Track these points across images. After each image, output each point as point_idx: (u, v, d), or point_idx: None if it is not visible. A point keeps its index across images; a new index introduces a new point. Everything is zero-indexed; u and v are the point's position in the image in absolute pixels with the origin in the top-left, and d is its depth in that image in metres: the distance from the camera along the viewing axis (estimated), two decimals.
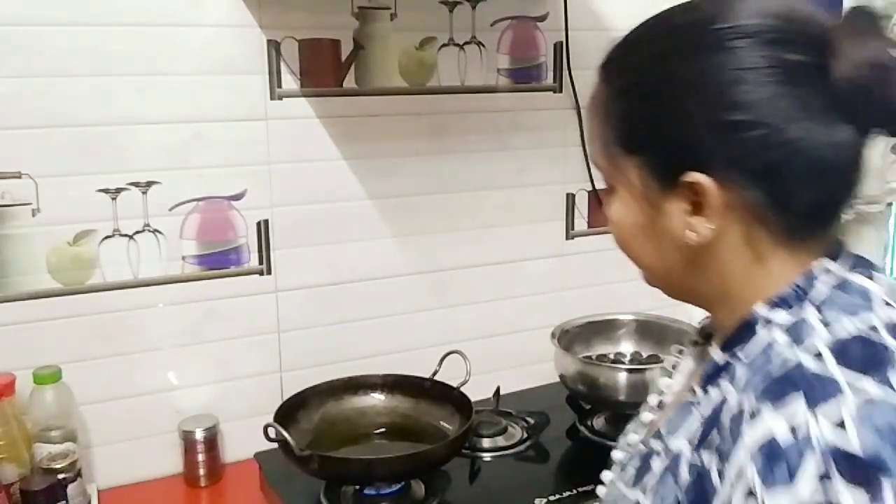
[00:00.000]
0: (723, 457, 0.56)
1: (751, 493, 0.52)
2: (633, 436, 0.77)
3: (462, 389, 1.33)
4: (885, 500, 0.49)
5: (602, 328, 1.58)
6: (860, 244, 1.93)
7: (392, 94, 1.47)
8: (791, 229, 0.61)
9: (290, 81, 1.38)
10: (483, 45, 1.53)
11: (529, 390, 1.60)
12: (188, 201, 1.34)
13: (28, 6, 1.20)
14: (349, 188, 1.46)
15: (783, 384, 0.55)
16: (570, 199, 1.65)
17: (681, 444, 0.63)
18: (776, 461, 0.52)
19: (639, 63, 0.65)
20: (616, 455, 0.78)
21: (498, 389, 1.52)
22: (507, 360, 1.62)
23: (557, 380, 1.49)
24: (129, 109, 1.28)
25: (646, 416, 0.77)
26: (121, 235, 1.31)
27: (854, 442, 0.50)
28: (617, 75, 0.66)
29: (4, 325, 1.26)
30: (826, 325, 0.57)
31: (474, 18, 1.51)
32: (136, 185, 1.30)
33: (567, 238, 1.66)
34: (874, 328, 0.57)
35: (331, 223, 1.46)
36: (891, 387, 0.53)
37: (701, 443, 0.60)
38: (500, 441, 1.40)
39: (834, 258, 0.62)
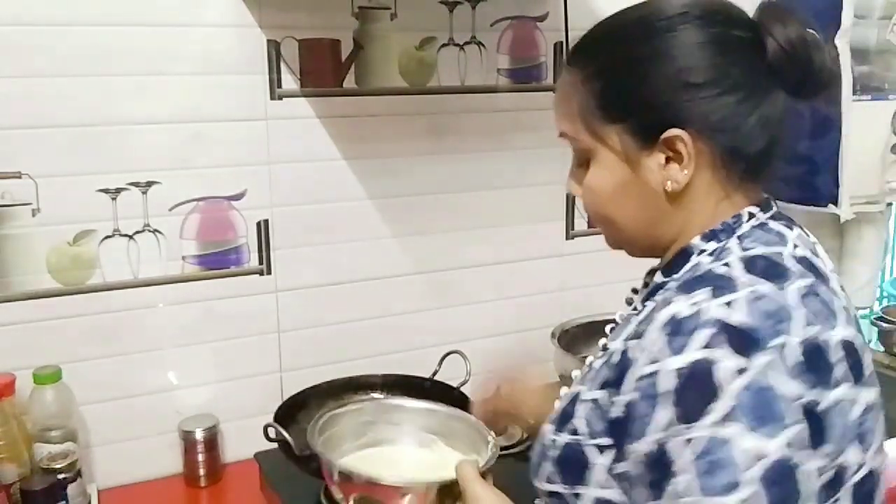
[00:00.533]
0: (640, 336, 0.70)
1: (653, 358, 0.66)
2: (589, 358, 0.86)
3: (462, 389, 1.33)
4: (753, 369, 0.62)
5: (602, 328, 1.58)
6: (860, 244, 1.93)
7: (392, 94, 1.47)
8: (745, 172, 0.75)
9: (290, 81, 1.38)
10: (483, 45, 1.52)
11: None
12: (188, 201, 1.34)
13: (28, 6, 1.20)
14: (349, 188, 1.46)
15: (695, 281, 0.70)
16: (570, 199, 1.65)
17: (618, 343, 0.74)
18: (676, 333, 0.66)
19: (609, 47, 0.77)
20: (574, 373, 0.88)
21: (498, 389, 1.51)
22: (507, 360, 1.62)
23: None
24: (129, 109, 1.28)
25: (602, 342, 0.86)
26: (121, 235, 1.31)
27: (737, 317, 0.64)
28: (591, 60, 0.78)
29: (4, 325, 1.26)
30: (742, 248, 0.72)
31: (474, 18, 1.51)
32: (136, 185, 1.30)
33: (567, 238, 1.66)
34: (780, 254, 0.71)
35: (331, 223, 1.46)
36: (784, 291, 0.67)
37: (632, 337, 0.72)
38: (501, 441, 1.39)
39: (763, 209, 0.77)
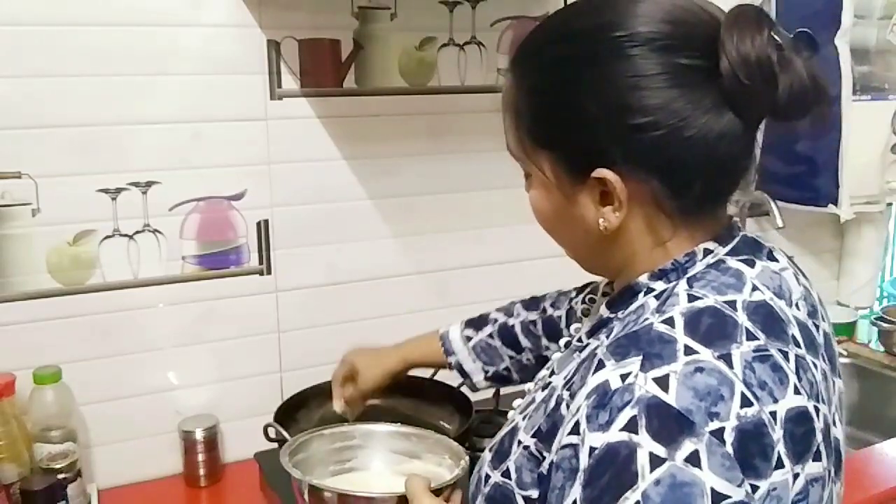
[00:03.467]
0: (573, 395, 0.63)
1: (576, 429, 0.60)
2: (529, 385, 0.83)
3: (462, 389, 1.33)
4: (674, 460, 0.55)
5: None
6: (860, 244, 1.94)
7: (392, 94, 1.47)
8: (686, 212, 0.67)
9: (290, 81, 1.38)
10: (483, 45, 1.53)
11: None
12: (188, 201, 1.34)
13: (28, 6, 1.20)
14: (349, 188, 1.46)
15: (629, 344, 0.61)
16: None
17: (558, 381, 0.70)
18: (601, 406, 0.59)
19: (544, 65, 0.68)
20: (515, 402, 0.84)
21: (498, 389, 1.51)
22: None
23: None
24: (129, 109, 1.28)
25: (543, 372, 0.82)
26: (121, 235, 1.31)
27: (669, 398, 0.56)
28: (525, 74, 0.70)
29: (4, 325, 1.26)
30: (690, 296, 0.64)
31: (474, 18, 1.51)
32: (136, 185, 1.30)
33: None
34: (733, 304, 0.63)
35: (331, 223, 1.46)
36: (727, 360, 0.59)
37: (568, 381, 0.67)
38: (488, 443, 1.39)
39: (721, 241, 0.68)
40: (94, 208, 1.28)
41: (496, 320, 1.17)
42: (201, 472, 1.37)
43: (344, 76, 1.43)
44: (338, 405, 1.21)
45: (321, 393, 1.36)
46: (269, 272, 1.42)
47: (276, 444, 1.17)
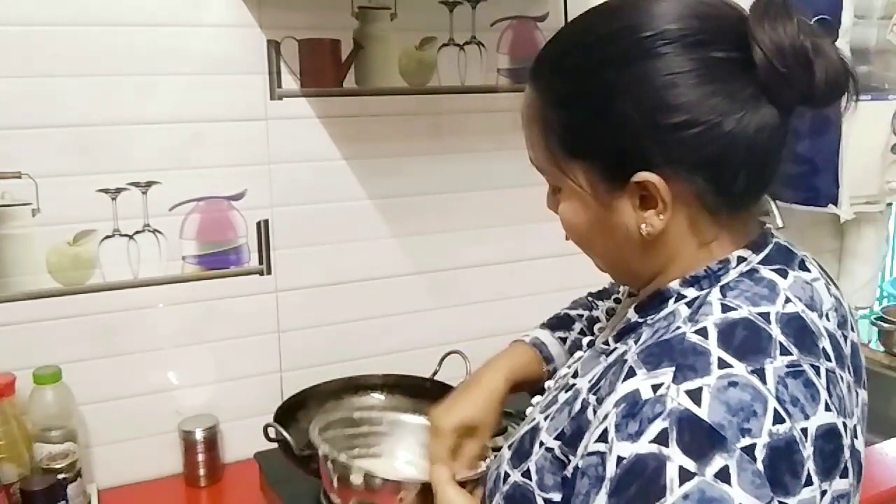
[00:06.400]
0: (600, 400, 0.63)
1: (604, 436, 0.59)
2: (549, 383, 0.83)
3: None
4: (704, 476, 0.54)
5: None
6: (860, 244, 1.94)
7: (392, 94, 1.47)
8: (731, 208, 0.66)
9: (290, 81, 1.38)
10: (483, 45, 1.53)
11: None
12: (188, 201, 1.34)
13: (28, 6, 1.20)
14: (349, 188, 1.46)
15: (662, 353, 0.61)
16: None
17: (583, 383, 0.69)
18: (631, 415, 0.58)
19: (571, 73, 0.67)
20: (535, 399, 0.83)
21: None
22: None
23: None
24: (129, 109, 1.28)
25: (577, 354, 0.81)
26: (121, 235, 1.31)
27: (702, 411, 0.56)
28: (550, 85, 0.69)
29: (4, 325, 1.26)
30: (723, 306, 0.63)
31: (474, 18, 1.51)
32: (136, 185, 1.30)
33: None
34: (767, 317, 0.62)
35: (331, 223, 1.46)
36: (760, 375, 0.58)
37: (594, 385, 0.67)
38: (500, 441, 1.39)
39: (755, 249, 0.67)
40: (94, 208, 1.28)
41: (581, 316, 1.11)
42: (201, 472, 1.37)
43: (344, 76, 1.43)
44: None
45: (321, 393, 1.36)
46: (269, 272, 1.42)
47: (276, 444, 1.17)
